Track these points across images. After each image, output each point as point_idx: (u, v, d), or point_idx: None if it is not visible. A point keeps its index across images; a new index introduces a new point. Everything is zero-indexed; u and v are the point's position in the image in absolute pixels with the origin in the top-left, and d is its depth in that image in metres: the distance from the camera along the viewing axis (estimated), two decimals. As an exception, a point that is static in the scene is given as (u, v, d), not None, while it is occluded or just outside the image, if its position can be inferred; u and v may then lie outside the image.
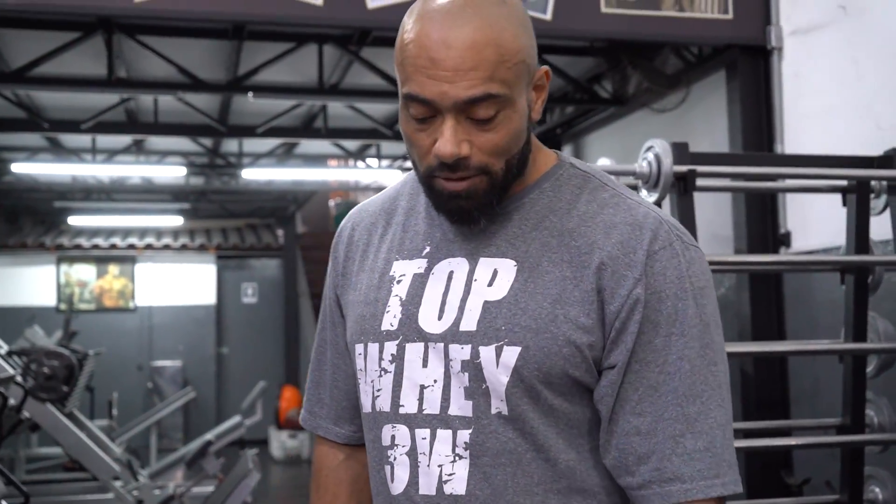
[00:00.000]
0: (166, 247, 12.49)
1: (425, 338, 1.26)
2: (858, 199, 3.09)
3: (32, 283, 12.17)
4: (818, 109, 4.49)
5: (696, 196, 2.93)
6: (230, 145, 9.46)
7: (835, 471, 3.17)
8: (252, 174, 9.53)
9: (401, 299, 1.30)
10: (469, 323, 1.23)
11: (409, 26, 1.21)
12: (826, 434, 3.31)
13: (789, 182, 3.50)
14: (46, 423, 5.82)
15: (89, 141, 8.88)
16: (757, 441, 3.24)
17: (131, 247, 12.38)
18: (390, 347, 1.29)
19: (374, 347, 1.31)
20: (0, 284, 12.01)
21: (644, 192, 2.94)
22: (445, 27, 1.16)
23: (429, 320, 1.26)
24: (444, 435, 1.24)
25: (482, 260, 1.26)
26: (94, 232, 12.61)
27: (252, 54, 6.10)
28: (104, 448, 6.31)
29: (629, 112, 6.60)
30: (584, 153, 7.24)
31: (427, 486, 1.24)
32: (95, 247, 12.27)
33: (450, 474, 1.23)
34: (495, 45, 1.16)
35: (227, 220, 13.32)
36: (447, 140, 1.18)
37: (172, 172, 9.64)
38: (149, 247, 12.44)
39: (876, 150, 3.24)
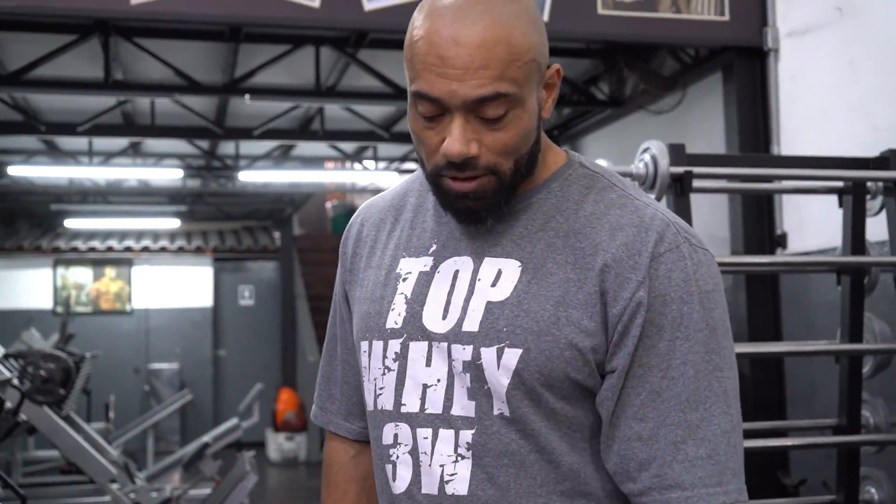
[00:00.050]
0: (163, 249, 12.49)
1: (429, 337, 1.25)
2: (854, 200, 3.09)
3: (29, 286, 12.16)
4: (814, 111, 4.50)
5: (693, 197, 2.94)
6: (227, 147, 9.46)
7: (831, 471, 3.18)
8: (249, 176, 9.54)
9: (406, 297, 1.29)
10: (471, 323, 1.22)
11: (418, 22, 1.19)
12: (822, 435, 3.31)
13: (786, 183, 3.51)
14: (43, 425, 5.82)
15: (86, 143, 8.88)
16: (753, 441, 3.24)
17: (128, 249, 12.37)
18: (394, 346, 1.28)
19: (378, 345, 1.30)
20: (-4, 287, 12.01)
21: (640, 194, 2.94)
22: (455, 24, 1.14)
23: (433, 319, 1.25)
24: (446, 435, 1.22)
25: (487, 259, 1.25)
26: (91, 234, 12.60)
27: (249, 56, 6.11)
28: (101, 451, 6.30)
29: (626, 114, 6.61)
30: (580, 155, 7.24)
31: (429, 486, 1.23)
32: (92, 249, 12.26)
33: (451, 474, 1.22)
34: (506, 44, 1.14)
35: (223, 222, 13.32)
36: (455, 139, 1.16)
37: (169, 175, 9.63)
38: (145, 249, 12.44)
39: (872, 152, 3.25)
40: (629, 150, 3.30)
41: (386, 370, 1.29)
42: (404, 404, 1.26)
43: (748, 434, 3.36)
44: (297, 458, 11.02)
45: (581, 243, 1.21)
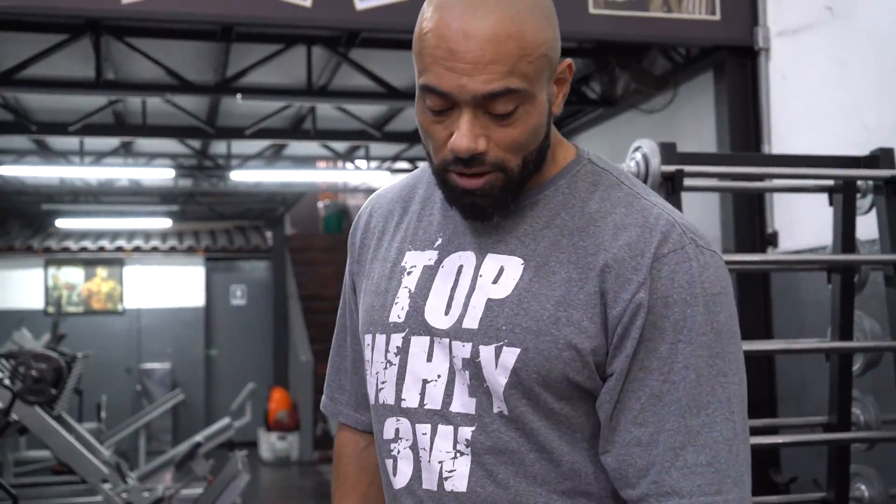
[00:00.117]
0: (155, 249, 12.46)
1: (431, 332, 1.24)
2: (845, 198, 3.10)
3: (20, 286, 12.12)
4: (805, 110, 4.52)
5: (684, 196, 2.95)
6: (219, 147, 9.45)
7: (822, 469, 3.19)
8: (241, 176, 9.53)
9: (410, 291, 1.28)
10: (472, 321, 1.20)
11: (427, 14, 1.16)
12: (813, 432, 3.33)
13: (776, 182, 3.52)
14: (35, 426, 5.80)
15: (77, 143, 8.86)
16: (745, 440, 3.25)
17: (119, 249, 12.34)
18: (396, 340, 1.27)
19: (381, 339, 1.29)
20: (-12, 287, 11.98)
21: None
22: (466, 17, 1.12)
23: (435, 314, 1.24)
24: (444, 431, 1.21)
25: (490, 256, 1.23)
26: (82, 234, 12.56)
27: (240, 56, 6.10)
28: (93, 451, 6.29)
29: (617, 113, 6.62)
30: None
31: (429, 482, 1.23)
32: (83, 249, 12.23)
33: (450, 471, 1.21)
34: (517, 38, 1.12)
35: (215, 222, 13.30)
36: (463, 134, 1.14)
37: (161, 174, 9.62)
38: (137, 249, 12.41)
39: (862, 151, 3.26)
40: (621, 149, 3.31)
41: (388, 364, 1.28)
42: (404, 399, 1.25)
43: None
44: (290, 457, 11.01)
45: (584, 242, 1.19)
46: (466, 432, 1.20)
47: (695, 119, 5.59)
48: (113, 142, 8.96)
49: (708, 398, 1.14)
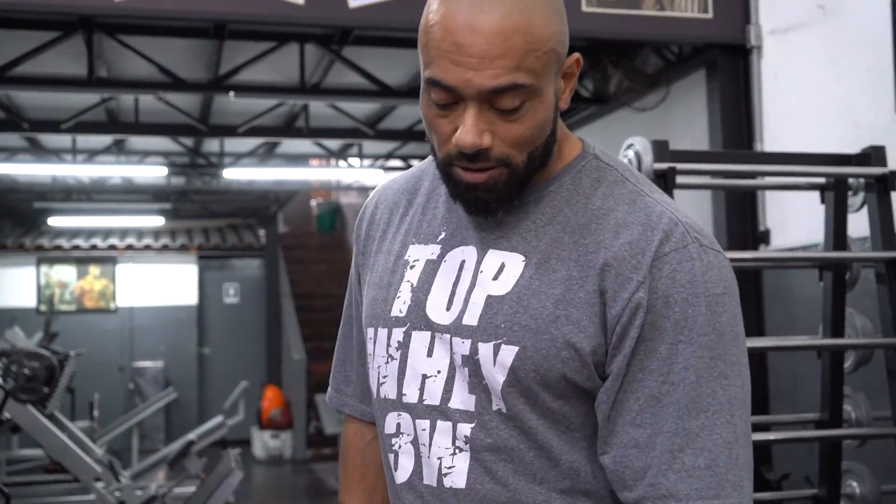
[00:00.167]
0: (147, 247, 12.45)
1: (432, 327, 1.22)
2: (836, 196, 3.11)
3: (12, 285, 12.10)
4: (797, 108, 4.53)
5: (677, 194, 2.95)
6: (211, 145, 9.44)
7: (814, 465, 3.20)
8: (233, 174, 9.52)
9: (412, 285, 1.26)
10: (471, 317, 1.19)
11: (434, 6, 1.14)
12: (805, 429, 3.34)
13: (768, 180, 3.53)
14: (27, 424, 5.79)
15: (69, 141, 8.84)
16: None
17: (112, 247, 12.32)
18: (397, 334, 1.26)
19: (383, 333, 1.28)
20: (-20, 286, 11.95)
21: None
22: (472, 10, 1.10)
23: (437, 310, 1.23)
24: (443, 427, 1.20)
25: (491, 252, 1.21)
26: (75, 233, 12.54)
27: (233, 53, 6.10)
28: (86, 449, 6.28)
29: (610, 111, 6.63)
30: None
31: (430, 477, 1.22)
32: (76, 247, 12.21)
33: (449, 467, 1.20)
34: (524, 32, 1.09)
35: (208, 220, 13.29)
36: (468, 130, 1.12)
37: (153, 172, 9.60)
38: (130, 247, 12.39)
39: (854, 149, 3.26)
40: (613, 147, 3.31)
41: (389, 358, 1.27)
42: (405, 394, 1.25)
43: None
44: (283, 455, 11.01)
45: (585, 239, 1.17)
46: (465, 429, 1.19)
47: (687, 117, 5.60)
48: (105, 139, 8.95)
49: (708, 400, 1.11)
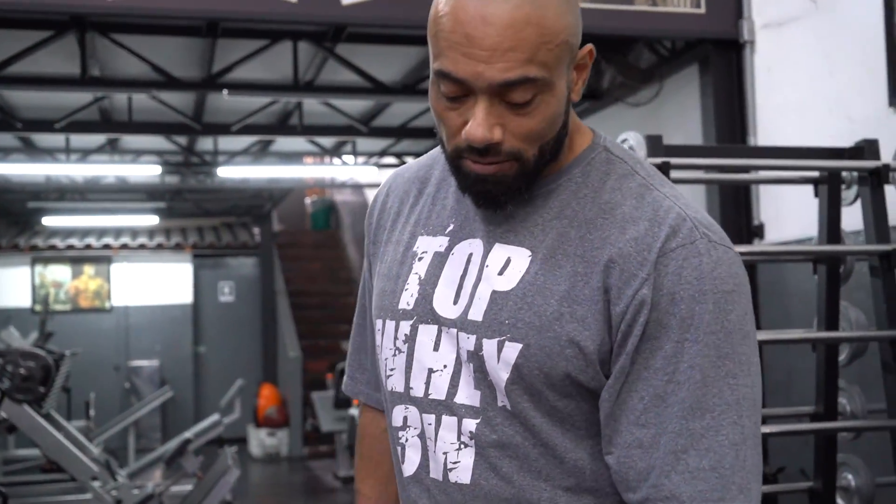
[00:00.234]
0: (142, 246, 12.43)
1: (439, 321, 1.21)
2: (830, 190, 3.12)
3: (7, 285, 12.08)
4: (790, 102, 4.54)
5: (671, 188, 2.96)
6: (205, 143, 9.43)
7: (809, 458, 3.21)
8: (227, 172, 9.50)
9: (420, 278, 1.25)
10: (476, 313, 1.17)
11: None
12: (800, 422, 3.34)
13: (762, 174, 3.54)
14: (23, 424, 5.79)
15: (63, 140, 8.82)
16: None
17: (106, 247, 12.31)
18: (405, 327, 1.25)
19: (390, 325, 1.27)
20: (-26, 286, 11.93)
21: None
22: (484, 1, 1.07)
23: (444, 303, 1.21)
24: (448, 422, 1.19)
25: (497, 245, 1.19)
26: (69, 232, 12.53)
27: (226, 51, 6.09)
28: (82, 449, 6.28)
29: (604, 106, 6.63)
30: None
31: (436, 471, 1.21)
32: (70, 247, 12.19)
33: (454, 462, 1.19)
34: (537, 25, 1.06)
35: (202, 218, 13.28)
36: (479, 124, 1.09)
37: (147, 171, 9.59)
38: (124, 246, 12.38)
39: (847, 142, 3.27)
40: (607, 143, 3.32)
41: (396, 351, 1.26)
42: (412, 387, 1.23)
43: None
44: (279, 453, 11.02)
45: (591, 235, 1.14)
46: (471, 424, 1.18)
47: (680, 112, 5.61)
48: (99, 139, 8.93)
49: (714, 400, 1.08)
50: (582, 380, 1.13)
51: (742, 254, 3.91)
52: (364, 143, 9.48)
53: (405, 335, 1.25)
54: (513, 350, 1.14)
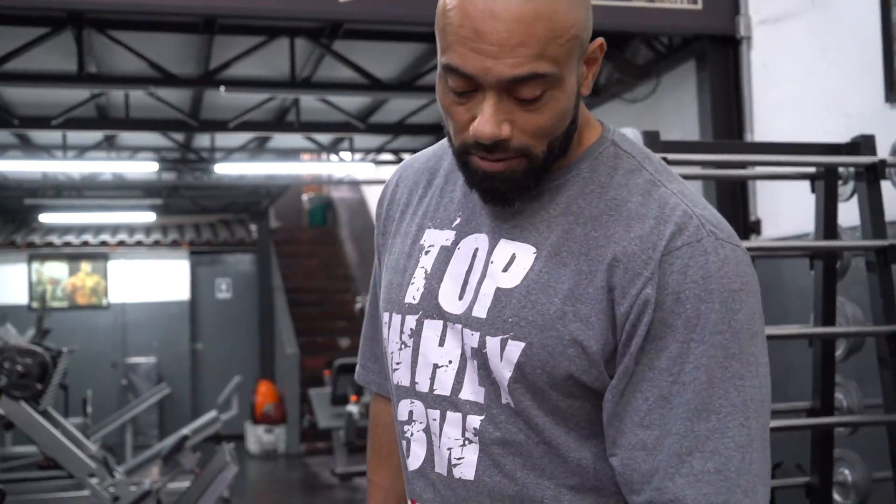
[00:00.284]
0: (139, 243, 12.43)
1: (444, 316, 1.20)
2: (826, 185, 3.13)
3: (4, 282, 12.07)
4: (787, 98, 4.55)
5: (667, 184, 2.96)
6: (202, 140, 9.43)
7: (805, 453, 3.22)
8: (224, 169, 9.50)
9: (426, 272, 1.23)
10: (481, 309, 1.16)
11: None
12: (797, 417, 3.35)
13: (759, 169, 3.54)
14: (21, 421, 5.79)
15: (60, 137, 8.82)
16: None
17: (103, 244, 12.30)
18: (410, 321, 1.24)
19: (397, 319, 1.26)
20: (-29, 283, 11.92)
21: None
22: None
23: (449, 299, 1.20)
24: (453, 418, 1.18)
25: (502, 241, 1.18)
26: (66, 229, 12.52)
27: (223, 48, 6.09)
28: (79, 445, 6.28)
29: (601, 103, 6.63)
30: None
31: (441, 466, 1.20)
32: (67, 244, 12.19)
33: (459, 458, 1.18)
34: (547, 19, 1.04)
35: (199, 215, 13.27)
36: (487, 120, 1.07)
37: (144, 168, 9.59)
38: (121, 243, 12.37)
39: (844, 138, 3.28)
40: (604, 139, 3.33)
41: (402, 345, 1.25)
42: (417, 382, 1.23)
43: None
44: (277, 450, 11.02)
45: (596, 232, 1.12)
46: (475, 421, 1.17)
47: (677, 108, 5.61)
48: (96, 135, 8.92)
49: (720, 402, 1.06)
50: (585, 380, 1.11)
51: (739, 249, 3.93)
52: (361, 140, 9.48)
53: (411, 329, 1.24)
54: (515, 348, 1.12)
